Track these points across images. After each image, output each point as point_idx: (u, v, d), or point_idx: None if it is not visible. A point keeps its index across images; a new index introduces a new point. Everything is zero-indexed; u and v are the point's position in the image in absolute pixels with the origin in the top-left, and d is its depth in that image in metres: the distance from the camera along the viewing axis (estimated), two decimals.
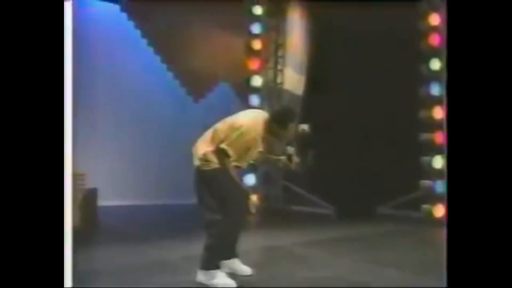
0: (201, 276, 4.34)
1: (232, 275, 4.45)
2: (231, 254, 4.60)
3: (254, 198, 4.67)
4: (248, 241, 4.52)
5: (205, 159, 4.35)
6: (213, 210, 4.40)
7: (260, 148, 4.47)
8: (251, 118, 4.45)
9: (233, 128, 4.32)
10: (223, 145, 4.28)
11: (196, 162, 4.43)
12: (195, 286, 4.32)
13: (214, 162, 4.32)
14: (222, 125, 4.44)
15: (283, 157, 4.88)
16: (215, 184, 4.38)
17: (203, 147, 4.42)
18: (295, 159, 4.80)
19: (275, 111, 4.65)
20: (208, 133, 4.48)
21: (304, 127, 4.99)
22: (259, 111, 4.77)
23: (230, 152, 4.27)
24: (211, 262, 4.33)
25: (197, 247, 4.61)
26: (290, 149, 4.75)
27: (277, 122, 4.45)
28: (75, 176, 7.37)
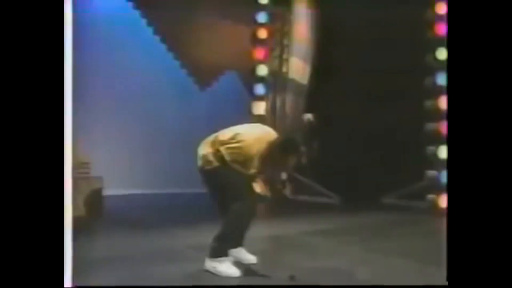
0: (208, 264, 4.41)
1: (238, 263, 4.47)
2: (239, 243, 4.63)
3: (260, 184, 4.69)
4: (253, 230, 4.53)
5: (206, 159, 4.45)
6: (224, 203, 4.45)
7: (256, 165, 4.49)
8: (255, 137, 4.48)
9: (235, 140, 4.41)
10: (221, 148, 4.39)
11: (199, 163, 4.52)
12: (201, 274, 4.36)
13: (214, 162, 4.40)
14: (225, 133, 4.53)
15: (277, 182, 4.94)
16: (219, 180, 4.47)
17: (204, 148, 4.53)
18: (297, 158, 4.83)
19: (283, 140, 4.61)
20: (211, 137, 4.57)
21: (309, 116, 4.99)
22: (267, 130, 4.74)
23: (227, 157, 4.36)
24: (219, 251, 4.40)
25: (203, 236, 4.64)
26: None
27: (281, 151, 4.52)
28: (80, 164, 7.40)
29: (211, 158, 4.42)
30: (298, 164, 4.67)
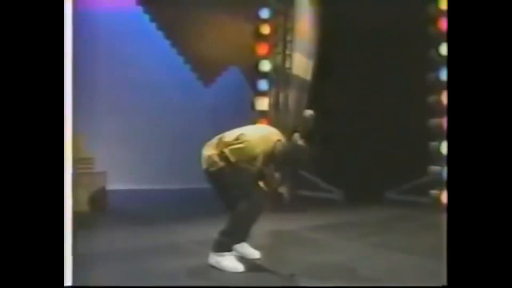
0: (212, 259, 4.44)
1: (241, 258, 4.50)
2: (244, 238, 4.65)
3: (265, 181, 4.73)
4: (256, 225, 4.56)
5: (211, 161, 4.48)
6: (232, 202, 4.48)
7: (261, 164, 4.50)
8: (259, 137, 4.53)
9: (239, 140, 4.45)
10: (225, 150, 4.42)
11: (204, 165, 4.54)
12: (205, 268, 4.39)
13: (219, 162, 4.43)
14: (229, 134, 4.57)
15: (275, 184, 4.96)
16: (225, 180, 4.48)
17: (209, 150, 4.56)
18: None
19: (287, 147, 4.63)
20: (216, 138, 4.61)
21: (310, 112, 5.02)
22: (271, 131, 4.77)
23: (232, 158, 4.39)
24: (224, 246, 4.44)
25: (206, 231, 4.66)
26: (296, 136, 4.78)
27: (284, 157, 4.55)
28: (83, 160, 7.44)
29: (216, 159, 4.44)
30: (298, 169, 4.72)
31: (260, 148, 4.43)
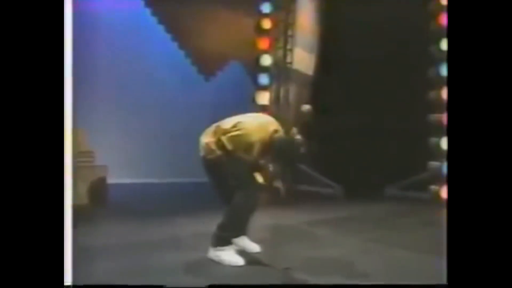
0: (212, 253, 4.45)
1: (241, 252, 4.51)
2: (243, 232, 4.65)
3: (263, 173, 4.73)
4: (256, 219, 4.56)
5: (208, 148, 4.47)
6: (227, 193, 4.47)
7: (257, 153, 4.50)
8: (256, 125, 4.51)
9: (236, 128, 4.43)
10: (222, 137, 4.41)
11: (201, 153, 4.55)
12: (205, 262, 4.40)
13: (217, 150, 4.42)
14: (227, 121, 4.55)
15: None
16: (222, 169, 4.48)
17: (206, 137, 4.56)
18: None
19: (282, 140, 4.62)
20: (213, 126, 4.60)
21: (307, 107, 5.01)
22: (269, 119, 4.75)
23: (229, 145, 4.38)
24: (223, 240, 4.44)
25: (206, 224, 4.66)
26: (294, 131, 4.78)
27: (278, 150, 4.53)
28: (84, 153, 7.44)
29: (213, 147, 4.43)
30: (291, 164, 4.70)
31: (257, 136, 4.41)
